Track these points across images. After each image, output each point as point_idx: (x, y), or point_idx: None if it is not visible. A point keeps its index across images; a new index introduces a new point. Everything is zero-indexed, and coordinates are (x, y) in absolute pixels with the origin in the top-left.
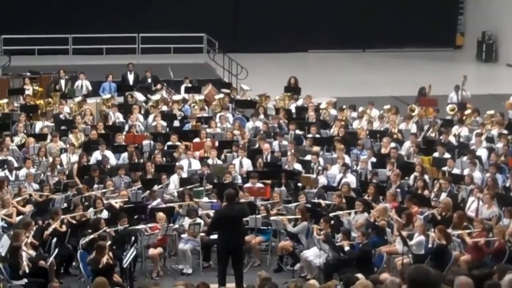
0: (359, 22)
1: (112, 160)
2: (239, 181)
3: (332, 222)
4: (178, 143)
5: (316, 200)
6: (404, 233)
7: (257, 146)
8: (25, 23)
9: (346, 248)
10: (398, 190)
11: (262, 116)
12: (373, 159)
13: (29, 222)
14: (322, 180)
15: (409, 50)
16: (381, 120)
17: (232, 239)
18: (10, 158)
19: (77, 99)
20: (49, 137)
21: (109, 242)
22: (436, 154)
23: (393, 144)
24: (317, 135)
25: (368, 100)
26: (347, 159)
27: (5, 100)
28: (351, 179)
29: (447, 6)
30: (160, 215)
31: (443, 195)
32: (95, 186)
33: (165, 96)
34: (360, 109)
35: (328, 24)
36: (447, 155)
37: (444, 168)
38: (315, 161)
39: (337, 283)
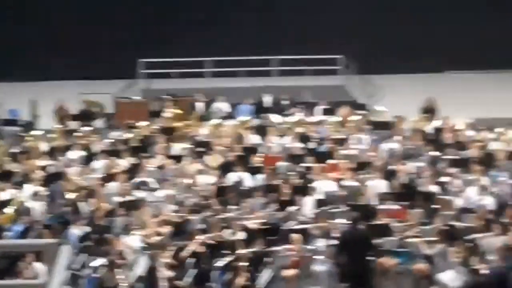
0: (497, 41)
1: (248, 181)
2: (375, 203)
3: (469, 245)
4: (313, 164)
5: (453, 223)
6: None
7: (392, 167)
8: (164, 47)
9: (483, 272)
10: None
11: (398, 138)
12: None
13: (167, 243)
14: (459, 202)
15: None
16: None
17: (355, 261)
18: (148, 179)
19: (214, 122)
20: (187, 159)
21: (245, 263)
22: None
23: None
24: (454, 157)
25: (506, 121)
26: (485, 181)
27: (145, 123)
28: (489, 202)
29: None
30: (295, 236)
31: None
32: (232, 207)
33: (301, 118)
34: (498, 130)
35: (465, 44)
36: None
37: None
38: (452, 183)
39: None
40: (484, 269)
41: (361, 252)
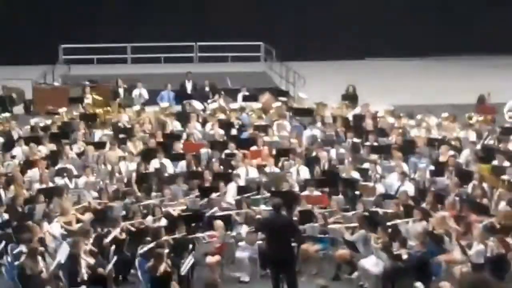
0: (417, 30)
1: (170, 168)
2: (297, 189)
3: (390, 230)
4: (235, 151)
5: (374, 209)
6: (463, 242)
7: (314, 154)
8: (85, 32)
9: (404, 257)
10: (457, 198)
11: (319, 124)
12: (432, 167)
13: (88, 230)
14: (380, 189)
15: (467, 57)
16: (439, 128)
17: (278, 248)
18: (69, 166)
19: (136, 108)
20: (108, 145)
21: (167, 250)
22: (495, 162)
23: (451, 152)
24: (375, 143)
25: (426, 108)
26: (405, 167)
27: (65, 109)
28: (409, 188)
29: (508, 11)
30: (218, 223)
31: (502, 204)
32: (153, 194)
33: (223, 105)
34: (418, 117)
35: (386, 32)
36: (506, 164)
37: (504, 177)
38: (372, 169)
39: None
40: (405, 254)
41: (283, 238)
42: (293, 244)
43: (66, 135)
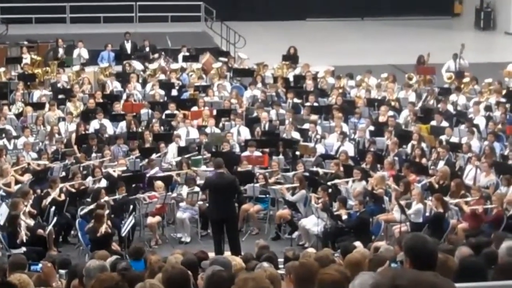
0: None
1: (110, 129)
2: (237, 149)
3: (330, 190)
4: (176, 111)
5: (314, 169)
6: (402, 202)
7: (255, 114)
8: None
9: (344, 217)
10: (396, 158)
11: (260, 85)
12: (371, 128)
13: (27, 191)
14: (320, 149)
15: (407, 18)
16: (378, 89)
17: (222, 207)
18: (8, 127)
19: (75, 68)
20: (47, 106)
21: (107, 211)
22: (434, 123)
23: (391, 113)
24: (315, 104)
25: (366, 69)
26: (345, 128)
27: (3, 69)
28: (349, 148)
29: None
30: (158, 183)
31: (441, 164)
32: (93, 155)
33: (163, 65)
34: (358, 77)
35: None
36: (445, 124)
37: (442, 137)
38: (313, 129)
39: (333, 252)
40: (344, 214)
41: (224, 199)
42: (233, 204)
43: (4, 96)
